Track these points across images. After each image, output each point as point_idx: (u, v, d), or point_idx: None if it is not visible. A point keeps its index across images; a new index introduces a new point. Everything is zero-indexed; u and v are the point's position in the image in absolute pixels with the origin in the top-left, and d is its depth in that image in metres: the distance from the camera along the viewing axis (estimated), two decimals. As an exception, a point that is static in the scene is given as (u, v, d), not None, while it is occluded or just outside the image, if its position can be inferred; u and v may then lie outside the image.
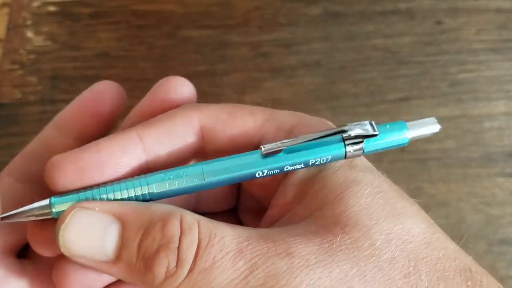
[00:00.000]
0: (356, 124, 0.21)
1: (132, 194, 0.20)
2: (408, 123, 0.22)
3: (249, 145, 0.23)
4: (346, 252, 0.19)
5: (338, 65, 0.43)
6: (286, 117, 0.23)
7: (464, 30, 0.44)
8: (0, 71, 0.43)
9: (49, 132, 0.24)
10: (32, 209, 0.21)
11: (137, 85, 0.42)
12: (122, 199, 0.20)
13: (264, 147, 0.21)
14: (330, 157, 0.21)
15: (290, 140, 0.21)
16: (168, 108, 0.23)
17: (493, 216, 0.38)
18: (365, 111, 0.42)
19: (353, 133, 0.21)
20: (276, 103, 0.42)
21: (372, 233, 0.19)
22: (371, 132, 0.21)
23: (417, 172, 0.40)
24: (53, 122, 0.25)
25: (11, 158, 0.41)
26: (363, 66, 0.43)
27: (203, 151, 0.23)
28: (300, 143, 0.21)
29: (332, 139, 0.21)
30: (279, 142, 0.21)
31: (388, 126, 0.22)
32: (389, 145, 0.22)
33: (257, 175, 0.21)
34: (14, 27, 0.45)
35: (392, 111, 0.41)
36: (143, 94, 0.45)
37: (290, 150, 0.21)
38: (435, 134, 0.23)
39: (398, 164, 0.40)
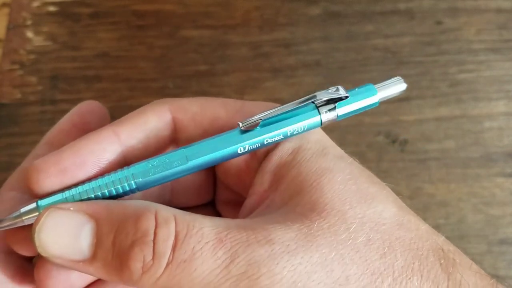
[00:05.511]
0: (325, 91, 0.22)
1: (118, 186, 0.21)
2: (376, 85, 0.23)
3: None
4: (324, 236, 0.19)
5: (338, 65, 0.43)
6: (256, 107, 0.24)
7: (464, 30, 0.44)
8: (0, 71, 0.43)
9: (42, 149, 0.25)
10: (20, 214, 0.21)
11: (137, 85, 0.42)
12: (110, 194, 0.21)
13: (241, 123, 0.21)
14: (306, 125, 0.22)
15: (265, 113, 0.22)
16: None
17: (493, 216, 0.38)
18: (365, 111, 0.42)
19: (324, 97, 0.22)
20: (276, 103, 0.42)
21: (347, 217, 0.20)
22: (341, 95, 0.22)
23: (417, 172, 0.40)
24: (44, 140, 0.25)
25: (11, 158, 0.41)
26: (363, 66, 0.43)
27: (176, 143, 0.24)
28: (275, 115, 0.22)
29: (305, 109, 0.22)
30: (256, 117, 0.22)
31: (357, 89, 0.23)
32: (360, 108, 0.23)
33: (239, 151, 0.22)
34: (14, 27, 0.45)
35: (392, 111, 0.41)
36: (143, 94, 0.45)
37: (267, 124, 0.22)
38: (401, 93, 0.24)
39: (398, 164, 0.40)
